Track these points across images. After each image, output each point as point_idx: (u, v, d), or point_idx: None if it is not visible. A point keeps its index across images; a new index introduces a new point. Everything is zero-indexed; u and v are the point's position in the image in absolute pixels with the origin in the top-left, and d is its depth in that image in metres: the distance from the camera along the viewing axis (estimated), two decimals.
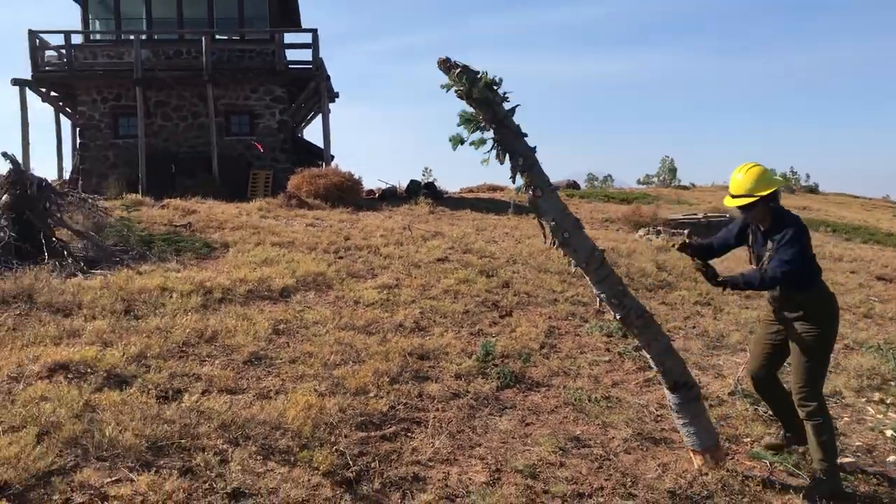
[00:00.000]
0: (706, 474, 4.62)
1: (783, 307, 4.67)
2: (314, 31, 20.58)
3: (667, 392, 4.70)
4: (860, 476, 4.89)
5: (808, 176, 38.98)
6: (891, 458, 5.18)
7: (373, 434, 4.91)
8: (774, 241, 4.51)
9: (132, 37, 19.94)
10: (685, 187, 34.74)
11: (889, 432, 5.60)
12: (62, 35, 20.03)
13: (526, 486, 4.38)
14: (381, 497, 4.16)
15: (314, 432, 4.74)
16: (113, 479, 3.99)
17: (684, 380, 4.63)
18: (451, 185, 43.84)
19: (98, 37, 21.66)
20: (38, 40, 19.83)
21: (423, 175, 30.70)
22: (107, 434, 4.30)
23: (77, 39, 20.75)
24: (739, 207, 4.60)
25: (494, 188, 28.72)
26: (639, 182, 40.51)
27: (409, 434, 5.05)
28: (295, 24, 24.91)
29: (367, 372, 5.90)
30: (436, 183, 24.87)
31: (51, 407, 4.55)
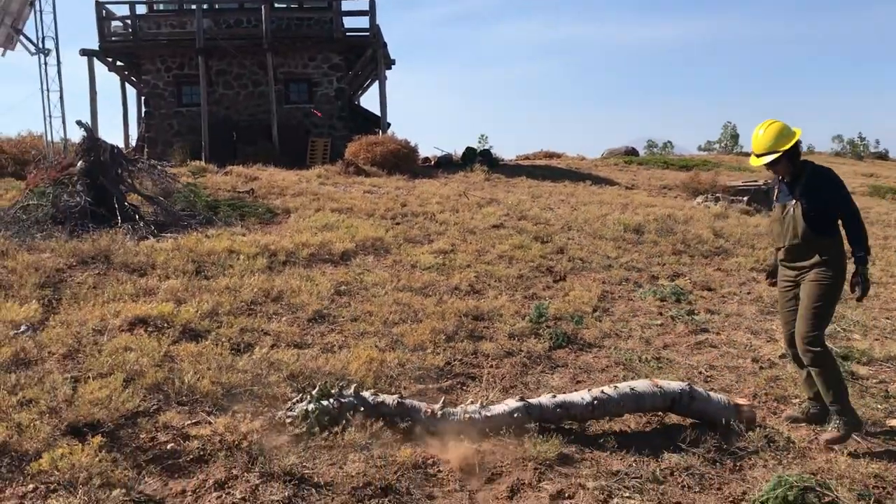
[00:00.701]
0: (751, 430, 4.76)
1: (801, 256, 4.75)
2: None
3: None
4: None
5: (877, 142, 37.80)
6: None
7: (430, 386, 5.18)
8: (810, 184, 4.63)
9: (194, 6, 20.38)
10: (747, 154, 34.03)
11: None
12: (127, 6, 20.61)
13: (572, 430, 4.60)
14: (433, 441, 4.42)
15: (375, 383, 5.03)
16: (193, 421, 4.34)
17: None
18: (507, 152, 43.80)
19: (161, 7, 22.16)
20: (104, 11, 20.42)
21: (479, 142, 30.70)
22: (186, 381, 4.65)
23: (141, 10, 21.31)
24: (765, 165, 4.72)
25: (550, 155, 28.65)
26: (699, 148, 39.86)
27: (465, 387, 5.31)
28: None
29: (425, 330, 6.16)
30: (491, 150, 24.96)
31: (134, 356, 4.92)
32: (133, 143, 22.56)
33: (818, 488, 3.94)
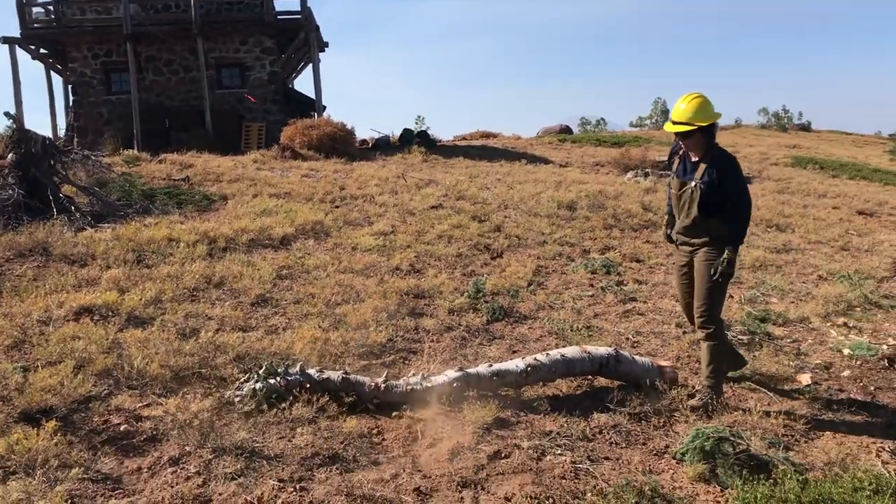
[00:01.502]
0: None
1: (692, 234, 5.01)
2: None
3: None
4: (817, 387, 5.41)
5: (800, 114, 39.00)
6: (845, 373, 5.70)
7: (374, 362, 5.43)
8: (712, 171, 4.81)
9: None
10: None
11: (846, 351, 6.11)
12: None
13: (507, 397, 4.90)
14: (378, 413, 4.67)
15: (320, 361, 5.24)
16: (144, 403, 4.50)
17: None
18: (444, 132, 43.97)
19: None
20: None
21: (417, 123, 30.64)
22: (135, 366, 4.79)
23: None
24: (677, 133, 4.86)
25: (487, 135, 28.96)
26: (631, 125, 40.65)
27: (407, 361, 5.56)
28: None
29: (367, 309, 6.39)
30: (429, 131, 25.12)
31: (82, 344, 5.03)
32: (62, 132, 22.06)
33: (732, 437, 4.31)
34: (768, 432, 4.61)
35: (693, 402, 5.00)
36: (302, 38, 21.20)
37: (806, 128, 37.93)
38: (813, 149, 27.94)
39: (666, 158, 18.51)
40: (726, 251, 4.83)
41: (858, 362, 5.89)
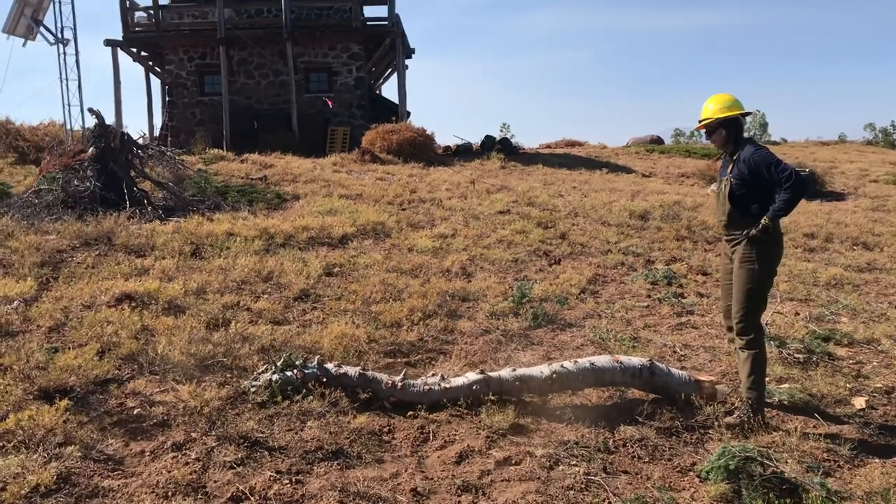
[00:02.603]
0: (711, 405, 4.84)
1: (730, 229, 4.78)
2: None
3: None
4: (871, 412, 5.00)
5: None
6: None
7: (399, 360, 5.34)
8: (741, 163, 4.63)
9: None
10: (776, 143, 33.70)
11: None
12: None
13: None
14: (393, 412, 4.58)
15: (344, 356, 5.19)
16: (161, 389, 4.54)
17: None
18: (530, 140, 43.68)
19: None
20: (128, 2, 20.81)
21: (501, 131, 30.76)
22: (158, 352, 4.86)
23: (164, 1, 21.65)
24: (704, 132, 4.81)
25: (572, 143, 28.58)
26: None
27: (434, 362, 5.45)
28: None
29: (404, 308, 6.32)
30: (512, 138, 25.01)
31: (112, 329, 5.15)
32: (157, 131, 23.00)
33: (760, 458, 4.02)
34: (807, 455, 4.28)
35: (730, 419, 4.71)
36: (388, 45, 21.44)
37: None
38: None
39: None
40: (764, 217, 4.57)
41: None
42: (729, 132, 4.74)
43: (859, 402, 5.11)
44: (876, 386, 5.50)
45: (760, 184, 4.61)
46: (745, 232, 4.69)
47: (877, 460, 4.33)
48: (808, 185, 4.81)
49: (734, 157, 4.73)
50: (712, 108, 4.72)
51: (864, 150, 30.58)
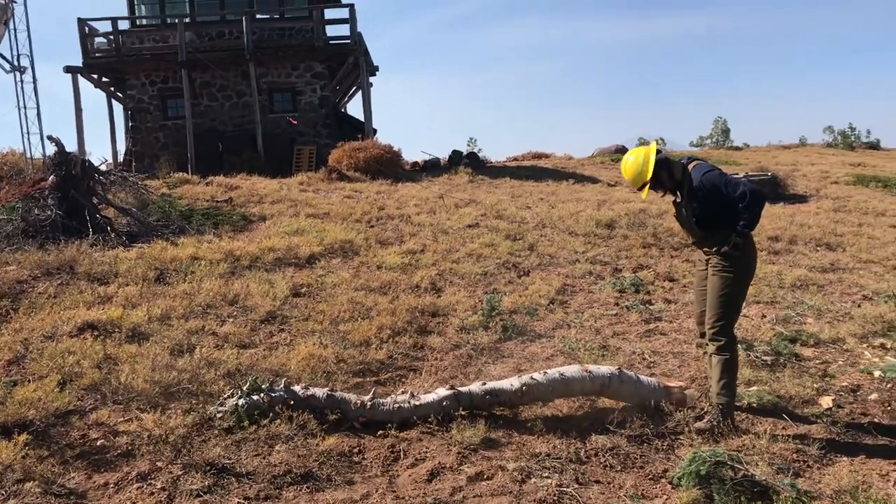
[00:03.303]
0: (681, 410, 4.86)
1: (706, 243, 4.84)
2: (351, 6, 20.85)
3: None
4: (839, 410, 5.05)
5: (868, 132, 37.58)
6: (873, 396, 5.31)
7: (368, 379, 5.30)
8: (690, 194, 4.73)
9: (176, 20, 20.55)
10: (738, 148, 34.09)
11: (877, 373, 5.70)
12: (110, 22, 20.75)
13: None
14: (363, 432, 4.53)
15: (312, 378, 5.14)
16: (125, 418, 4.46)
17: None
18: (497, 154, 43.85)
19: (144, 22, 22.35)
20: (87, 28, 20.57)
21: (469, 145, 30.71)
22: (122, 380, 4.77)
23: (124, 25, 21.43)
24: (650, 189, 4.84)
25: (539, 155, 28.70)
26: (691, 144, 39.72)
27: (404, 379, 5.41)
28: (334, 0, 25.28)
29: (372, 326, 6.27)
30: (480, 152, 25.05)
31: (74, 359, 5.05)
32: (121, 157, 22.74)
33: (730, 462, 4.03)
34: (777, 457, 4.31)
35: (701, 423, 4.72)
36: (351, 63, 21.42)
37: (874, 146, 36.51)
38: (879, 167, 26.83)
39: None
40: (733, 235, 4.65)
41: (889, 385, 5.49)
42: (663, 174, 4.80)
43: (826, 402, 5.16)
44: (842, 385, 5.56)
45: (720, 201, 4.67)
46: (717, 249, 4.74)
47: (845, 458, 4.37)
48: (765, 194, 4.86)
49: (679, 188, 4.81)
50: (637, 177, 4.78)
51: (825, 153, 31.07)
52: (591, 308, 7.58)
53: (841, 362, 6.10)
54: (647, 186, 4.80)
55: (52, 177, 10.09)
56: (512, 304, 7.38)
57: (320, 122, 21.69)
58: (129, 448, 4.13)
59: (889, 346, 6.46)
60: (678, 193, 4.89)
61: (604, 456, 4.36)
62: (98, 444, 4.16)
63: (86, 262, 7.91)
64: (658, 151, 4.85)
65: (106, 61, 21.06)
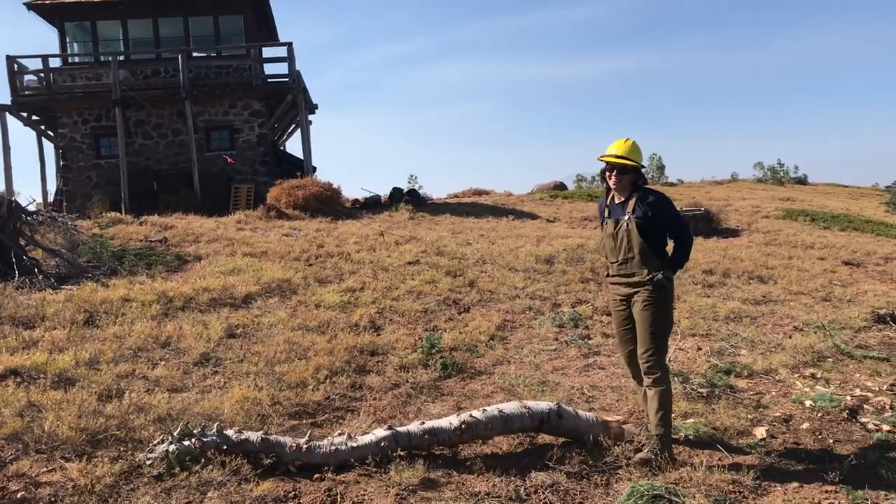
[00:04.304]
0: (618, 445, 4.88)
1: (633, 271, 4.88)
2: (289, 45, 20.87)
3: None
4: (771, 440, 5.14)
5: (796, 168, 38.90)
6: (804, 426, 5.43)
7: (304, 421, 5.19)
8: (643, 204, 4.82)
9: (110, 58, 20.22)
10: (672, 184, 34.99)
11: (808, 402, 5.84)
12: (40, 59, 20.29)
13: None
14: (299, 475, 4.42)
15: (246, 421, 5.01)
16: (48, 468, 4.26)
17: None
18: (438, 191, 44.09)
19: (76, 59, 21.95)
20: (16, 65, 20.09)
21: (409, 182, 30.85)
22: (45, 429, 4.57)
23: (55, 63, 21.01)
24: (616, 166, 4.84)
25: (479, 192, 28.95)
26: None
27: (342, 421, 5.32)
28: (272, 38, 25.23)
29: (309, 367, 6.17)
30: (420, 189, 25.21)
31: None
32: (51, 197, 22.13)
33: (667, 495, 4.05)
34: (714, 489, 4.34)
35: (641, 455, 4.74)
36: (290, 101, 21.36)
37: (802, 181, 37.93)
38: (807, 201, 27.84)
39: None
40: (665, 269, 4.81)
41: (819, 414, 5.62)
42: (638, 177, 4.93)
43: (760, 432, 5.25)
44: (775, 415, 5.67)
45: (658, 224, 4.83)
46: (651, 277, 4.80)
47: (779, 487, 4.43)
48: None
49: (633, 199, 4.88)
50: (631, 151, 4.87)
51: (755, 188, 32.12)
52: (530, 343, 7.61)
53: (774, 393, 6.23)
54: (631, 164, 4.84)
55: None
56: (452, 341, 7.36)
57: (259, 160, 21.50)
58: (52, 499, 3.94)
59: (819, 376, 6.63)
60: (622, 204, 4.93)
61: (543, 493, 4.33)
62: (18, 496, 3.96)
63: (10, 306, 7.61)
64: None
65: (36, 99, 20.56)
